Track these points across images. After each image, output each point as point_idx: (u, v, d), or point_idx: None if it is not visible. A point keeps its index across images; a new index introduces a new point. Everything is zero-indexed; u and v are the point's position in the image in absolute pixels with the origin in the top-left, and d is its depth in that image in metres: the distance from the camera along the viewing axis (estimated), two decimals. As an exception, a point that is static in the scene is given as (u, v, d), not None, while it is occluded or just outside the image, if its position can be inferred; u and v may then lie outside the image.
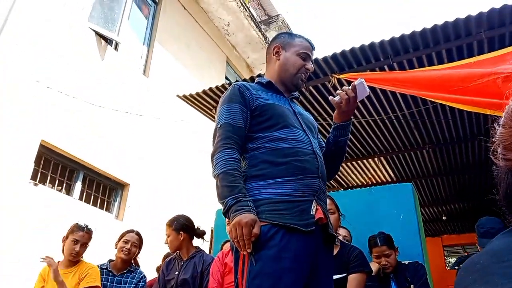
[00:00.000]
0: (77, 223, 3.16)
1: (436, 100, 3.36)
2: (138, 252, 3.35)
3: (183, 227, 3.11)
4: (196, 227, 3.23)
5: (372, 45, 3.56)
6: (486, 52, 3.33)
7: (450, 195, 7.07)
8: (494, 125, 0.80)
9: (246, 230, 1.39)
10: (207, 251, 3.64)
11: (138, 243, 3.32)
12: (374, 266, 2.65)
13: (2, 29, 3.75)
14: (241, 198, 1.45)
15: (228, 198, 1.46)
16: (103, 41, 5.82)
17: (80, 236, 3.06)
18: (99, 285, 3.01)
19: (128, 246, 3.22)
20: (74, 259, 3.06)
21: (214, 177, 1.56)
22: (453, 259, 10.18)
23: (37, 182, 4.68)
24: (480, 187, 6.50)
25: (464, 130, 4.82)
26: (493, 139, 0.79)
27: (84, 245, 3.10)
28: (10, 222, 4.18)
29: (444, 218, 8.27)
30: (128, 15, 6.34)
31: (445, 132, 4.91)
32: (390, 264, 2.70)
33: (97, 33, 5.70)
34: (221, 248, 3.66)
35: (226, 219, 1.52)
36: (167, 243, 3.12)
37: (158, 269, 3.91)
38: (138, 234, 3.36)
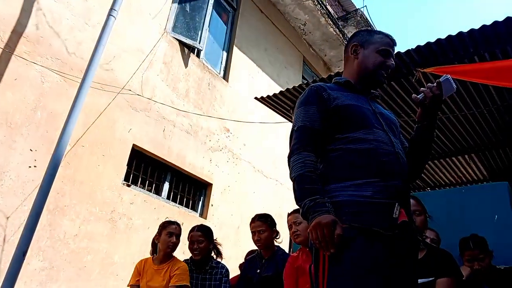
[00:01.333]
0: (166, 220, 3.37)
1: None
2: (211, 244, 3.36)
3: (275, 224, 3.11)
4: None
5: (460, 35, 3.32)
6: None
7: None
8: None
9: (327, 230, 1.38)
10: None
11: (204, 237, 3.31)
12: (465, 271, 2.48)
13: (106, 41, 4.14)
14: (319, 200, 1.45)
15: (306, 200, 1.46)
16: (186, 49, 6.14)
17: (173, 229, 3.24)
18: (188, 284, 3.12)
19: (195, 245, 3.27)
20: (172, 251, 3.21)
21: (291, 180, 1.57)
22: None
23: (129, 183, 5.07)
24: None
25: None
26: None
27: (178, 238, 3.25)
28: (106, 219, 4.59)
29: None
30: (209, 22, 6.61)
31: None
32: (484, 268, 2.51)
33: (180, 42, 6.03)
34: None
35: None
36: (259, 239, 3.11)
37: (241, 266, 4.02)
38: (200, 229, 3.38)
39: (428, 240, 2.70)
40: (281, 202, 7.17)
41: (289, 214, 2.98)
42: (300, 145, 1.59)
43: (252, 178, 6.91)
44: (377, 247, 1.41)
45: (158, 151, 5.38)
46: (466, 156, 5.41)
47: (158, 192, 5.53)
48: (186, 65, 6.10)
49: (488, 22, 3.17)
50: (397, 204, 1.50)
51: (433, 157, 5.35)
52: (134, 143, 5.08)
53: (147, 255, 3.42)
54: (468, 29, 3.27)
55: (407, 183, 1.61)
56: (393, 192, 1.50)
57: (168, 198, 5.63)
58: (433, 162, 5.66)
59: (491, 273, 2.51)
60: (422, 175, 5.65)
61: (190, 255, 3.41)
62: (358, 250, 1.39)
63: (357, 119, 1.63)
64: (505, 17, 3.11)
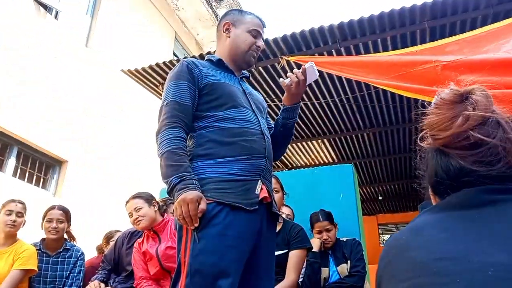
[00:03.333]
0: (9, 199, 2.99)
1: (379, 86, 3.51)
2: (68, 226, 3.14)
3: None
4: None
5: (321, 28, 3.62)
6: (428, 41, 3.51)
7: (387, 176, 7.47)
8: (421, 111, 0.87)
9: (192, 206, 1.39)
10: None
11: (64, 217, 3.09)
12: (315, 243, 2.76)
13: None
14: (185, 176, 1.44)
15: (173, 177, 1.45)
16: (42, 9, 5.44)
17: (13, 206, 2.90)
18: (35, 268, 2.86)
19: (54, 224, 3.01)
20: (14, 231, 2.89)
21: (159, 156, 1.53)
22: (386, 237, 10.85)
23: (-35, 156, 4.36)
24: (411, 170, 6.92)
25: (402, 115, 5.08)
26: (422, 125, 0.86)
27: (20, 216, 2.92)
28: None
29: (380, 198, 8.75)
30: (70, -19, 5.95)
31: (385, 116, 5.14)
32: (331, 239, 2.83)
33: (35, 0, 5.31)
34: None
35: None
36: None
37: (98, 247, 3.81)
38: (61, 208, 3.12)
39: (284, 216, 2.92)
40: (142, 183, 6.96)
41: (127, 202, 2.76)
42: (169, 121, 1.55)
43: (112, 156, 6.53)
44: (239, 222, 1.46)
45: (2, 121, 4.71)
46: (319, 141, 5.98)
47: (1, 168, 4.86)
48: (41, 26, 5.41)
49: (355, 17, 3.52)
50: (259, 181, 1.57)
51: (291, 140, 5.77)
52: (-29, 111, 4.36)
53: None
54: (329, 24, 3.58)
55: (271, 162, 1.70)
56: (257, 170, 1.58)
57: (14, 175, 4.99)
58: (291, 145, 6.12)
59: (336, 244, 2.85)
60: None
61: (41, 238, 3.10)
62: (220, 226, 1.43)
63: (227, 98, 1.65)
64: (359, 17, 3.49)
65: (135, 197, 2.76)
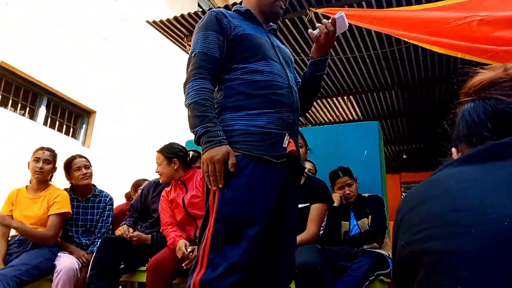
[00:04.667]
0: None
1: (410, 40, 3.38)
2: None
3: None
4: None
5: (352, -21, 3.47)
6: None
7: (413, 136, 7.36)
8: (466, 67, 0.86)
9: (218, 166, 1.42)
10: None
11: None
12: (335, 198, 2.80)
13: None
14: (211, 127, 1.45)
15: (198, 128, 1.46)
16: (66, -44, 5.37)
17: (41, 154, 2.98)
18: (69, 210, 3.00)
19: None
20: (40, 178, 2.97)
21: (186, 107, 1.55)
22: (408, 195, 10.82)
23: (-2, 104, 4.50)
24: (437, 129, 6.78)
25: (433, 72, 4.91)
26: (463, 87, 0.86)
27: (48, 163, 2.98)
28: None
29: (404, 156, 8.66)
30: None
31: (414, 73, 4.99)
32: (353, 193, 2.86)
33: None
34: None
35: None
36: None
37: (127, 195, 3.96)
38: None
39: (306, 170, 2.95)
40: (173, 132, 7.07)
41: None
42: (197, 72, 1.55)
43: (140, 107, 6.62)
44: (266, 174, 1.49)
45: (32, 71, 4.80)
46: (345, 97, 5.89)
47: (32, 117, 5.02)
48: (66, -26, 5.36)
49: None
50: (287, 134, 1.58)
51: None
52: (3, 60, 4.44)
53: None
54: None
55: (298, 116, 1.70)
56: (284, 124, 1.58)
57: (44, 124, 5.15)
58: (315, 101, 6.05)
59: (357, 199, 2.88)
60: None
61: (69, 186, 3.24)
62: (248, 177, 1.46)
63: (255, 50, 1.63)
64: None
65: (158, 150, 2.85)
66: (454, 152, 0.89)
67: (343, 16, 1.67)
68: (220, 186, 1.44)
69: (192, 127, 1.51)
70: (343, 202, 2.83)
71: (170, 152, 2.78)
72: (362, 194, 2.91)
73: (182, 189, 2.76)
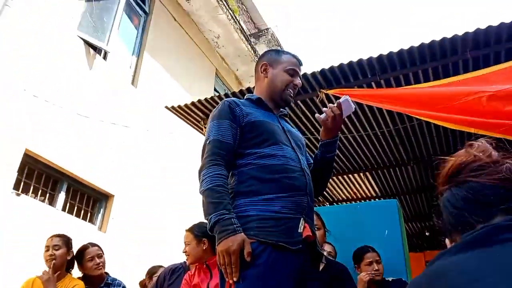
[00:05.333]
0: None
1: (422, 118, 3.42)
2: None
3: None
4: None
5: (360, 62, 3.62)
6: (471, 71, 3.41)
7: (434, 211, 7.14)
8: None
9: (234, 257, 1.39)
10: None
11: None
12: (360, 283, 2.66)
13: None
14: (225, 215, 1.44)
15: (212, 215, 1.46)
16: (91, 50, 5.80)
17: (49, 241, 2.97)
18: None
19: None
20: (55, 267, 2.90)
21: (201, 193, 1.55)
22: (436, 274, 10.22)
23: (19, 192, 4.59)
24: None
25: (447, 146, 4.90)
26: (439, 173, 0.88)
27: (57, 248, 2.93)
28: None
29: (427, 234, 8.33)
30: (118, 25, 6.33)
31: (429, 148, 4.98)
32: (381, 271, 2.72)
33: (86, 41, 5.67)
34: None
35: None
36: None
37: (141, 283, 3.85)
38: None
39: (325, 253, 2.84)
40: (191, 213, 7.03)
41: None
42: (211, 159, 1.58)
43: (157, 191, 6.68)
44: (282, 262, 1.44)
45: (54, 157, 4.96)
46: (361, 174, 5.85)
47: (52, 202, 5.08)
48: (90, 67, 5.75)
49: (394, 49, 3.49)
50: (302, 219, 1.55)
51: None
52: (27, 148, 4.62)
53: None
54: (368, 57, 3.57)
55: (312, 199, 1.68)
56: (299, 208, 1.56)
57: (63, 209, 5.20)
58: (331, 178, 6.02)
59: (381, 285, 2.72)
60: (322, 190, 5.97)
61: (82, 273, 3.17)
62: (264, 266, 1.41)
63: (267, 135, 1.67)
64: (398, 49, 3.46)
65: (188, 229, 2.79)
66: (448, 243, 0.88)
67: (348, 100, 1.72)
68: (235, 279, 1.40)
69: (206, 214, 1.50)
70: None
71: (200, 231, 2.69)
72: (386, 278, 2.77)
73: (206, 274, 2.64)
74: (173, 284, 2.95)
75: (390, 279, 2.76)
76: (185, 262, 3.10)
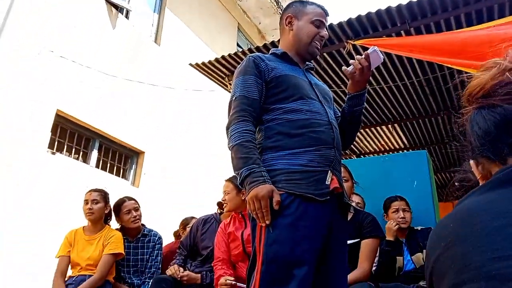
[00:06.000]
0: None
1: (453, 66, 3.29)
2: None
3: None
4: None
5: (388, 9, 3.47)
6: (508, 15, 3.22)
7: (463, 161, 7.03)
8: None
9: (264, 202, 1.43)
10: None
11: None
12: (389, 231, 2.69)
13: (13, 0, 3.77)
14: (255, 168, 1.48)
15: (242, 170, 1.49)
16: (114, 9, 5.77)
17: (88, 195, 3.10)
18: (122, 252, 3.08)
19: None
20: (92, 218, 3.06)
21: (229, 149, 1.58)
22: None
23: (54, 151, 4.78)
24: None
25: (480, 96, 4.73)
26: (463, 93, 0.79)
27: (96, 203, 3.05)
28: (29, 189, 4.31)
29: (456, 184, 8.26)
30: (138, -19, 6.23)
31: (460, 98, 4.82)
32: (407, 219, 2.75)
33: (108, 1, 5.64)
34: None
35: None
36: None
37: (176, 233, 4.02)
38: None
39: (353, 204, 2.88)
40: (217, 165, 7.19)
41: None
42: (238, 115, 1.59)
43: (186, 146, 6.81)
44: (311, 213, 1.48)
45: (84, 117, 5.09)
46: (390, 126, 5.76)
47: (85, 160, 5.28)
48: (113, 26, 5.74)
49: None
50: (329, 172, 1.57)
51: (359, 126, 5.62)
52: (58, 109, 4.75)
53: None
54: (397, 4, 3.41)
55: (340, 152, 1.69)
56: (326, 161, 1.58)
57: (97, 166, 5.40)
58: (359, 131, 5.96)
59: (410, 233, 2.76)
60: (349, 143, 5.93)
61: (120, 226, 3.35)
62: (293, 216, 1.45)
63: (293, 90, 1.66)
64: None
65: (228, 180, 2.91)
66: (473, 165, 0.80)
67: (376, 50, 1.67)
68: (268, 222, 1.45)
69: (236, 169, 1.53)
70: (395, 235, 2.71)
71: None
72: (415, 228, 2.79)
73: (241, 223, 2.77)
74: (205, 233, 3.10)
75: (419, 228, 2.79)
76: (215, 213, 3.24)
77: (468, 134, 0.79)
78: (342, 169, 2.60)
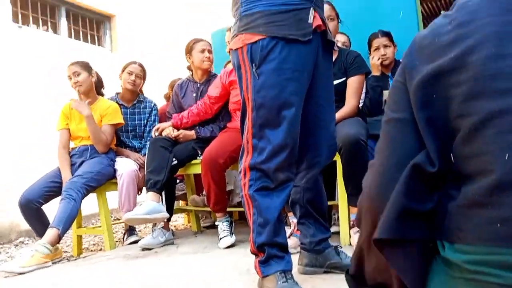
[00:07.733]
0: None
1: None
2: (143, 84, 3.36)
3: None
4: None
5: None
6: None
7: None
8: None
9: None
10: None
11: (142, 74, 3.31)
12: (374, 67, 2.70)
13: None
14: None
15: None
16: None
17: (68, 70, 2.99)
18: (122, 121, 3.12)
19: (133, 77, 3.21)
20: (80, 90, 3.00)
21: None
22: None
23: (20, 24, 4.47)
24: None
25: None
26: None
27: (77, 75, 2.96)
28: (1, 68, 4.15)
29: (442, 12, 8.06)
30: None
31: None
32: (388, 55, 2.74)
33: None
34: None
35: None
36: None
37: (166, 96, 4.03)
38: (141, 65, 3.32)
39: (339, 44, 2.82)
40: (195, 25, 6.86)
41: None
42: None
43: (161, 4, 6.37)
44: (295, 55, 1.46)
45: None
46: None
47: (56, 31, 4.98)
48: None
49: None
50: (311, 8, 1.49)
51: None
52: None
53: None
54: None
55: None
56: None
57: (69, 36, 5.12)
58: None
59: (396, 66, 2.77)
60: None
61: (116, 92, 3.37)
62: (277, 60, 1.44)
63: None
64: None
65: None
66: None
67: None
68: None
69: None
70: (380, 69, 2.72)
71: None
72: (401, 60, 2.79)
73: None
74: (185, 95, 3.14)
75: (404, 59, 2.77)
76: (188, 76, 3.23)
77: None
78: (328, 7, 2.49)
